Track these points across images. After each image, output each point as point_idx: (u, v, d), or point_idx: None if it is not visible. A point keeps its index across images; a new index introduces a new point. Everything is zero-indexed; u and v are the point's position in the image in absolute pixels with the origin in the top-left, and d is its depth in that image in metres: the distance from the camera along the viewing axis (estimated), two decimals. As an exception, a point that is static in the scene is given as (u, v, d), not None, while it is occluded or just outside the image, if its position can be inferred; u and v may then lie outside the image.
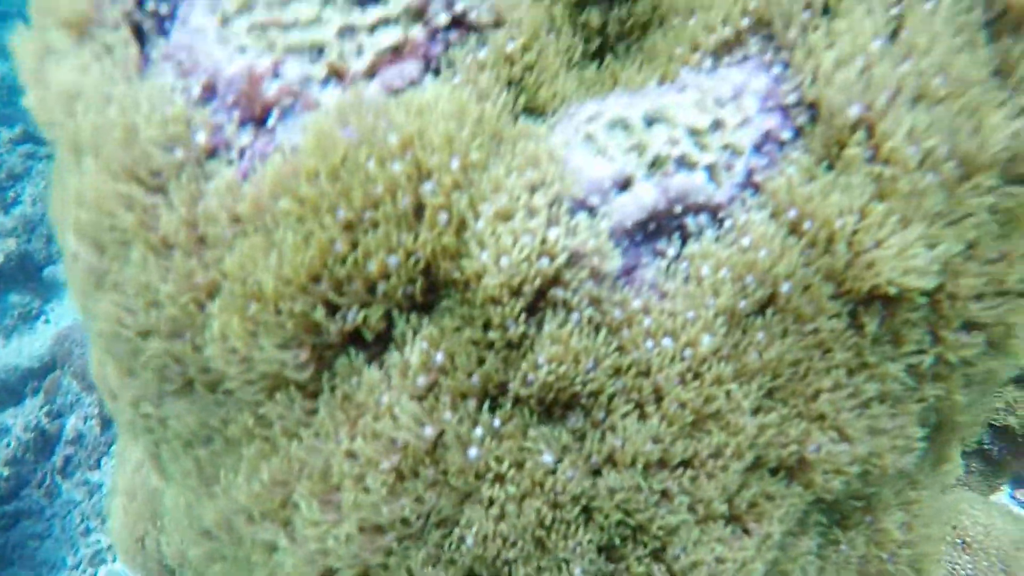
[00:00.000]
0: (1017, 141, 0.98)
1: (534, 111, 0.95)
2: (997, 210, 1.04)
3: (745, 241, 0.91)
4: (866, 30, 0.92)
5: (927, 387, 1.18)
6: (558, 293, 0.80)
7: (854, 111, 0.92)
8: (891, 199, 0.97)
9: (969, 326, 1.11)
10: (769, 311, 0.96)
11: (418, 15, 0.85)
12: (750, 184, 0.96)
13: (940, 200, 0.98)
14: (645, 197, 0.86)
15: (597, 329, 0.83)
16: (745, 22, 1.00)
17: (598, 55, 1.07)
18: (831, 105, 0.93)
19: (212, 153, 0.83)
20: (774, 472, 1.07)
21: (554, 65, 0.96)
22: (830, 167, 0.97)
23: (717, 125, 0.94)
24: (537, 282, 0.78)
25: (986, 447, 3.62)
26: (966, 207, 1.00)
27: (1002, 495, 4.20)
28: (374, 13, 0.85)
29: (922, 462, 1.48)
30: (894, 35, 0.94)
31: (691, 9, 1.04)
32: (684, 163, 0.90)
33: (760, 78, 0.98)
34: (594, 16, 1.02)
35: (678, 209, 0.89)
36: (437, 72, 0.86)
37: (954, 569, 3.04)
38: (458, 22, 0.86)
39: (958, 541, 3.09)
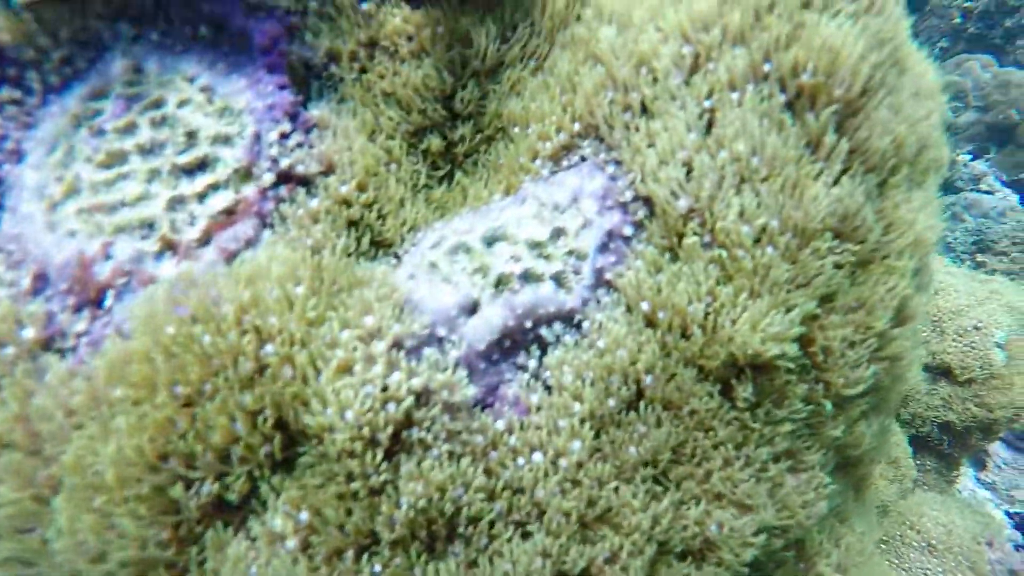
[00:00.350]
0: (841, 204, 1.05)
1: (383, 243, 0.98)
2: (842, 265, 1.10)
3: (601, 343, 0.94)
4: (680, 126, 0.99)
5: (827, 431, 1.21)
6: (413, 433, 0.80)
7: (683, 204, 0.97)
8: (738, 276, 1.01)
9: (853, 367, 1.15)
10: (641, 404, 0.98)
11: (246, 175, 0.87)
12: (602, 283, 0.99)
13: (785, 269, 1.03)
14: (494, 318, 0.89)
15: (459, 459, 0.83)
16: (576, 127, 1.06)
17: (449, 173, 1.11)
18: (661, 200, 0.98)
19: (47, 344, 0.82)
20: (683, 557, 1.07)
21: (398, 195, 0.99)
22: (675, 257, 1.01)
23: (558, 233, 0.98)
24: (389, 429, 0.78)
25: (936, 443, 3.70)
26: (811, 269, 1.06)
27: (967, 479, 4.31)
28: (202, 181, 0.86)
29: (844, 497, 1.51)
30: (709, 127, 1.01)
31: (527, 120, 1.09)
32: (529, 277, 0.93)
33: (596, 179, 1.03)
34: (434, 141, 1.06)
35: (529, 323, 0.91)
36: (273, 227, 0.87)
37: (926, 574, 3.08)
38: (286, 177, 0.88)
39: (924, 544, 3.13)
